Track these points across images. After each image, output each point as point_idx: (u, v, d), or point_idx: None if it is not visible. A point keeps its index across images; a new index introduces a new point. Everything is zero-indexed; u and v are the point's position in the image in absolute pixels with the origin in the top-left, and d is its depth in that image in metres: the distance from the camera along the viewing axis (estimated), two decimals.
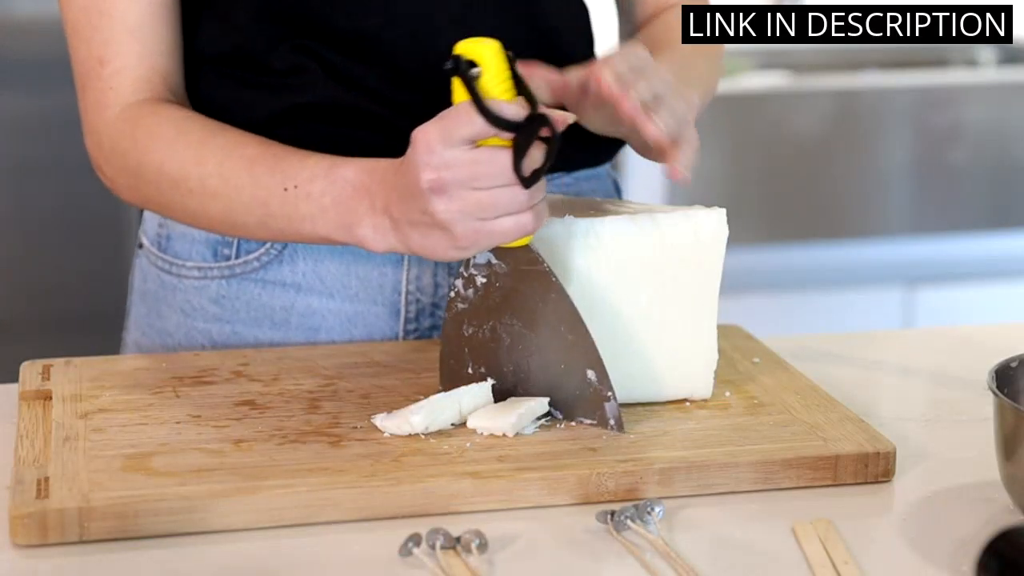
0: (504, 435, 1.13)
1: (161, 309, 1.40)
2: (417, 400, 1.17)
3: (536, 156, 1.11)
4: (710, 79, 1.40)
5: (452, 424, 1.15)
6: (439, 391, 1.18)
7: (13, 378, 1.26)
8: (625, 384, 1.20)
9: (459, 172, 1.11)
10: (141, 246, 1.43)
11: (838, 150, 3.13)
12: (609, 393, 1.16)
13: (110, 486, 1.04)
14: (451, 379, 1.22)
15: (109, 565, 0.99)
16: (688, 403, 1.22)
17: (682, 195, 2.89)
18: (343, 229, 1.20)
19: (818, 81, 3.24)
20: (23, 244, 2.81)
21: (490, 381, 1.19)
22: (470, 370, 1.21)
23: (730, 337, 1.35)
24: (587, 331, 1.16)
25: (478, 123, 1.10)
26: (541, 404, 1.17)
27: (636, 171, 2.82)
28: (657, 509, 1.05)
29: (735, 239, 1.22)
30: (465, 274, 1.20)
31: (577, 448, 1.12)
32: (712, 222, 1.20)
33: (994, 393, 1.05)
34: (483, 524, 1.02)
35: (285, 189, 1.22)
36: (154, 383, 1.23)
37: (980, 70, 3.49)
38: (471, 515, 1.05)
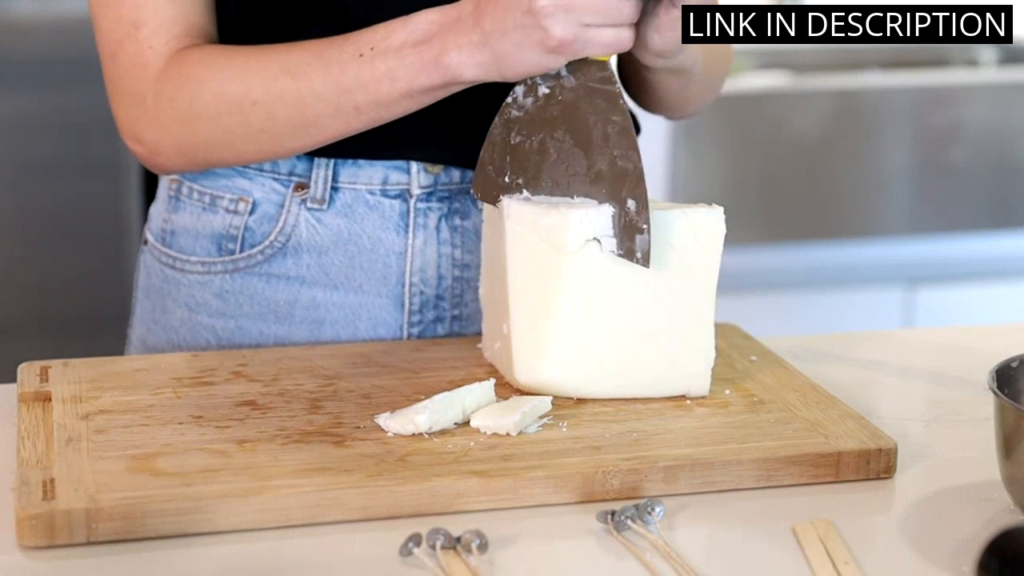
0: (507, 434, 1.13)
1: (166, 304, 1.41)
2: (418, 400, 1.17)
3: None
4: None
5: (455, 423, 1.16)
6: (441, 390, 1.18)
7: (13, 378, 1.26)
8: (622, 379, 1.20)
9: None
10: (146, 242, 1.44)
11: (838, 150, 3.13)
12: (645, 226, 1.17)
13: (117, 487, 1.04)
14: (485, 186, 1.23)
15: (116, 566, 0.99)
16: (688, 400, 1.22)
17: (682, 194, 2.89)
18: (429, 65, 1.20)
19: (818, 81, 3.24)
20: (23, 244, 2.80)
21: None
22: (507, 179, 1.22)
23: (727, 335, 1.36)
24: (640, 158, 1.17)
25: None
26: (544, 403, 1.17)
27: None
28: (657, 509, 1.05)
29: (735, 239, 1.23)
30: (529, 81, 1.20)
31: (580, 447, 1.12)
32: (710, 220, 1.20)
33: (994, 393, 1.05)
34: (488, 523, 1.02)
35: (360, 55, 1.22)
36: (153, 384, 1.23)
37: (980, 70, 3.49)
38: (476, 514, 1.05)
